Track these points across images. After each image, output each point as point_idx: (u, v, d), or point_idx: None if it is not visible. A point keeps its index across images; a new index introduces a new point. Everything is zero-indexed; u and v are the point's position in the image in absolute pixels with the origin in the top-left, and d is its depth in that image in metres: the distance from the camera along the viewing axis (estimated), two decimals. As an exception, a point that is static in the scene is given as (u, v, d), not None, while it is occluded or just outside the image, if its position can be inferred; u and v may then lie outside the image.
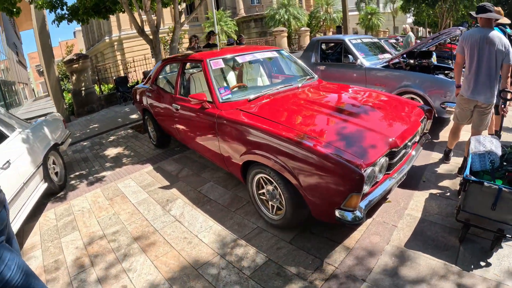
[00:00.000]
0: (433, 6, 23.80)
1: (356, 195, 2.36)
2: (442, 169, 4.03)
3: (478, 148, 2.99)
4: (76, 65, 10.87)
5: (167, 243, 3.10)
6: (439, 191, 3.53)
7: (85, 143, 7.30)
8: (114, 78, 12.63)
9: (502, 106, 3.61)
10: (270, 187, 2.99)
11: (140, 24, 7.39)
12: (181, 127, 4.41)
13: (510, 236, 2.53)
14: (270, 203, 3.10)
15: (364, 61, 6.23)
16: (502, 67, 3.43)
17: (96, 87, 12.48)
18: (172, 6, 7.45)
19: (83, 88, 11.08)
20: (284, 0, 27.70)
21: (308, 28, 23.93)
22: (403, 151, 3.02)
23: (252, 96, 3.59)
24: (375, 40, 7.77)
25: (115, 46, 26.34)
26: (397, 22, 41.11)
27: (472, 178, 2.60)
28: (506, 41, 3.39)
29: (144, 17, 7.39)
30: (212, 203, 3.70)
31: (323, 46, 7.81)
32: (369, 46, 7.08)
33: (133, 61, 12.97)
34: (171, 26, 16.62)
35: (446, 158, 4.19)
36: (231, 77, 4.60)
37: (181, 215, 3.54)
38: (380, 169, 2.68)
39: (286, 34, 20.23)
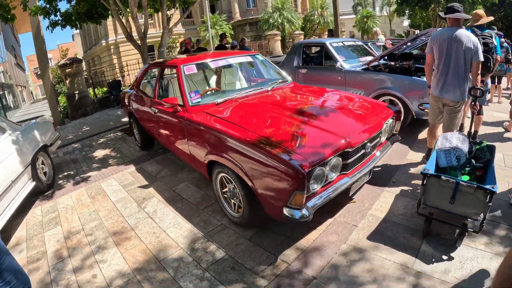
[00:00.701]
0: (426, 9, 23.97)
1: (300, 193, 2.45)
2: (415, 169, 4.10)
3: (444, 144, 3.05)
4: (70, 69, 11.11)
5: (138, 237, 3.32)
6: (408, 192, 3.58)
7: (76, 145, 7.54)
8: (108, 81, 12.88)
9: (472, 103, 3.61)
10: (232, 186, 3.14)
11: (128, 30, 7.63)
12: (159, 129, 4.62)
13: (472, 230, 2.58)
14: (232, 201, 3.26)
15: (344, 64, 6.25)
16: (472, 65, 3.47)
17: (91, 91, 12.73)
18: (164, 11, 7.64)
19: (77, 92, 11.32)
20: (278, 4, 27.93)
21: (302, 32, 24.08)
22: (362, 151, 3.08)
23: (220, 100, 3.78)
24: (359, 43, 7.80)
25: (112, 49, 26.57)
26: (393, 25, 41.34)
27: (430, 172, 2.67)
28: (474, 39, 3.44)
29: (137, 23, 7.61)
30: (183, 202, 3.92)
31: (306, 50, 7.89)
32: (351, 49, 7.12)
33: (127, 65, 13.22)
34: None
35: (427, 159, 4.08)
36: (208, 81, 4.80)
37: (154, 212, 3.77)
38: (332, 169, 2.78)
39: (279, 38, 20.42)
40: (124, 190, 4.49)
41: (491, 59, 4.36)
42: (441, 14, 3.72)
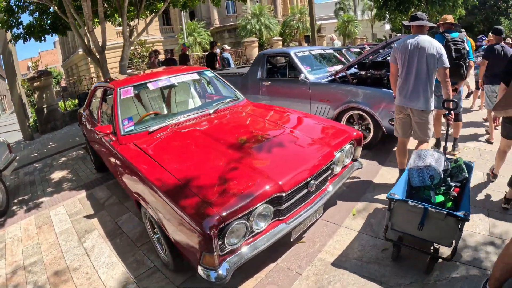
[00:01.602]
0: (406, 13, 24.20)
1: (209, 255, 2.12)
2: (384, 194, 3.63)
3: (417, 163, 2.88)
4: (38, 83, 10.89)
5: (71, 278, 3.12)
6: (369, 227, 3.19)
7: (37, 165, 7.32)
8: (77, 94, 12.63)
9: (446, 115, 3.43)
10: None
11: (87, 44, 7.44)
12: (102, 155, 4.36)
13: (443, 257, 2.43)
14: (163, 242, 2.89)
15: (309, 75, 5.76)
16: (439, 72, 3.31)
17: (61, 104, 12.45)
18: (125, 22, 7.45)
19: (45, 106, 11.06)
20: (255, 10, 27.72)
21: (280, 38, 23.69)
22: (305, 190, 2.72)
23: (152, 128, 3.47)
24: (329, 51, 7.30)
25: (88, 58, 25.92)
26: (375, 29, 41.77)
27: (396, 196, 2.49)
28: (437, 45, 3.30)
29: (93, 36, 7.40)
30: (122, 236, 3.68)
31: (271, 60, 7.40)
32: (319, 58, 6.71)
33: (97, 76, 12.99)
34: (140, 39, 16.61)
35: None
36: (151, 103, 4.54)
37: (92, 248, 3.56)
38: (260, 218, 2.43)
39: (257, 45, 20.15)
40: (70, 220, 4.28)
41: (464, 66, 4.18)
42: (405, 22, 3.64)
